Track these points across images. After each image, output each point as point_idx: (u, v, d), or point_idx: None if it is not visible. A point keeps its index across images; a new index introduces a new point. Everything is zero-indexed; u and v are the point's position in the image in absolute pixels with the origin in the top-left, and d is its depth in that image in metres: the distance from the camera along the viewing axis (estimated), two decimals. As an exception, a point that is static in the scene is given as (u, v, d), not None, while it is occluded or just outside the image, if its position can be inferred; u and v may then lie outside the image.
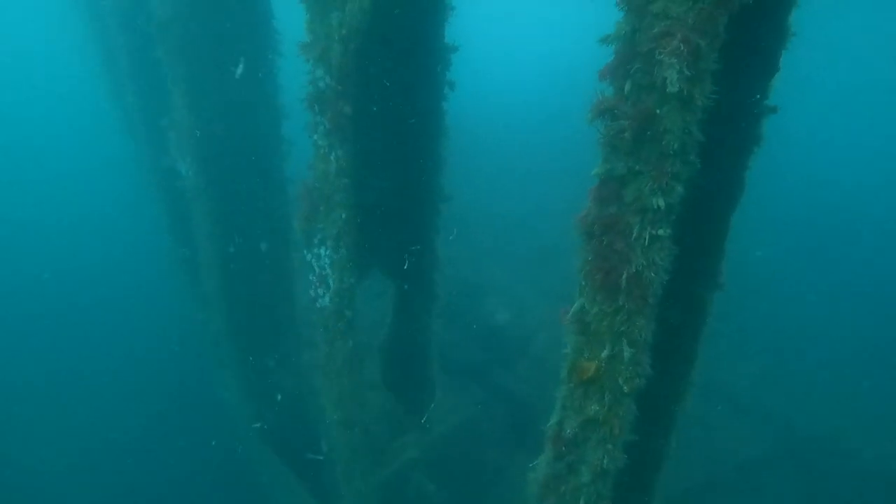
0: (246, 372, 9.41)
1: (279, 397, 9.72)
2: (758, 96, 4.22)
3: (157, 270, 11.85)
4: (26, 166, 20.34)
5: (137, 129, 9.27)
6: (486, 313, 13.43)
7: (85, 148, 19.12)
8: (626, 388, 3.94)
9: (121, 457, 11.94)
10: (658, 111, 3.23)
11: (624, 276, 3.69)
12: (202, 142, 7.75)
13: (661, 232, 3.55)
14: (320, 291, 6.23)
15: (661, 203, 3.46)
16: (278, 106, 8.39)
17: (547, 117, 22.45)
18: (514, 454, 11.22)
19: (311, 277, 6.32)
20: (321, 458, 8.91)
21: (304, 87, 5.66)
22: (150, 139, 9.01)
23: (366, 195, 6.11)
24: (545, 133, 21.67)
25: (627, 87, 3.35)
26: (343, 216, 5.71)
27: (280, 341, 9.58)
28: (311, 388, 9.94)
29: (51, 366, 13.44)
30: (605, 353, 3.94)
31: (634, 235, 3.60)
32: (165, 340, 12.14)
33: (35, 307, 14.63)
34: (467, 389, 11.74)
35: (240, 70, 7.66)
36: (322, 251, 6.06)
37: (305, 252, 6.29)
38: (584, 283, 3.95)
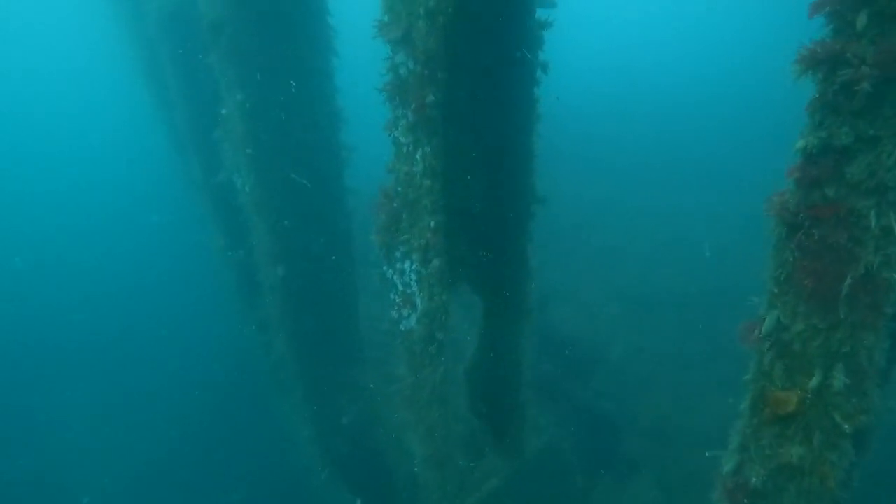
0: (311, 399, 8.64)
1: (346, 426, 8.93)
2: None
3: (215, 291, 11.22)
4: (75, 184, 20.22)
5: (187, 143, 8.62)
6: (554, 322, 12.46)
7: (133, 165, 18.80)
8: (846, 427, 2.97)
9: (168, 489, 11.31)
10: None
11: (847, 281, 2.75)
12: (258, 151, 7.03)
13: (907, 219, 2.61)
14: (405, 312, 5.40)
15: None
16: (337, 109, 7.65)
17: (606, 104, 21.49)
18: (598, 476, 10.24)
19: (392, 297, 5.49)
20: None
21: (371, 80, 4.87)
22: (201, 153, 8.34)
23: (455, 199, 5.27)
24: (605, 121, 20.72)
25: (862, 20, 2.42)
26: (432, 224, 4.87)
27: (346, 366, 8.80)
28: (381, 416, 9.17)
29: (97, 388, 12.93)
30: (814, 382, 2.98)
31: (866, 225, 2.66)
32: (224, 364, 11.48)
33: (88, 330, 14.20)
34: (544, 408, 10.80)
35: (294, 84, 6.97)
36: (406, 265, 5.23)
37: (385, 268, 5.47)
38: (779, 290, 3.01)
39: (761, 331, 3.09)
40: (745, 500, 3.39)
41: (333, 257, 7.95)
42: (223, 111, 6.98)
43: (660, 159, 19.49)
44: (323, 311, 8.04)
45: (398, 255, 5.29)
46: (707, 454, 3.79)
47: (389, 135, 4.94)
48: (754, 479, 3.31)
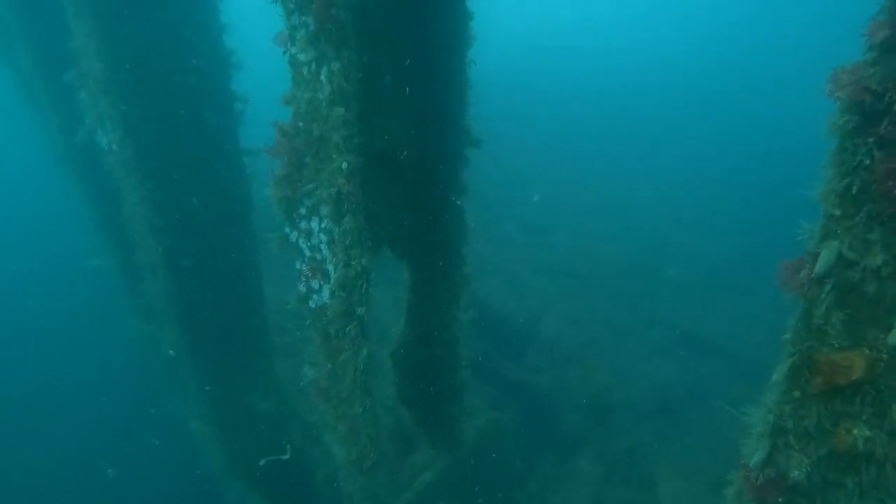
0: (210, 397, 7.29)
1: (255, 426, 7.66)
2: None
3: (87, 276, 9.50)
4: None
5: (37, 93, 6.96)
6: (482, 296, 11.55)
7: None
8: (937, 397, 2.12)
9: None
10: None
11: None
12: (124, 100, 5.59)
13: None
14: (315, 284, 4.23)
15: None
16: (226, 51, 6.30)
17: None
18: (539, 456, 9.46)
19: (298, 266, 4.31)
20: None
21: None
22: (55, 105, 6.74)
23: (373, 136, 4.13)
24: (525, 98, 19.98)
25: None
26: (344, 166, 3.72)
27: (251, 357, 7.50)
28: (295, 413, 7.94)
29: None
30: (893, 338, 2.10)
31: None
32: (106, 364, 9.82)
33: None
34: (477, 390, 9.89)
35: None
36: (314, 224, 4.06)
37: (288, 230, 4.28)
38: (842, 211, 2.10)
39: (813, 270, 2.18)
40: (781, 500, 2.51)
41: (228, 229, 6.62)
42: (74, 46, 5.50)
43: (582, 133, 19.07)
44: (218, 294, 6.70)
45: (303, 211, 4.11)
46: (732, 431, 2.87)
47: (284, 52, 3.74)
48: (795, 473, 2.42)
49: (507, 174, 16.31)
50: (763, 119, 20.56)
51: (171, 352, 6.99)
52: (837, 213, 2.10)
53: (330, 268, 4.06)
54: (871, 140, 1.95)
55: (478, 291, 11.84)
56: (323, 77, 3.58)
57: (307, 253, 4.22)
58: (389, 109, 4.18)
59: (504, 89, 20.89)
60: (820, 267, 2.15)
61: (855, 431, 2.25)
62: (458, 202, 4.81)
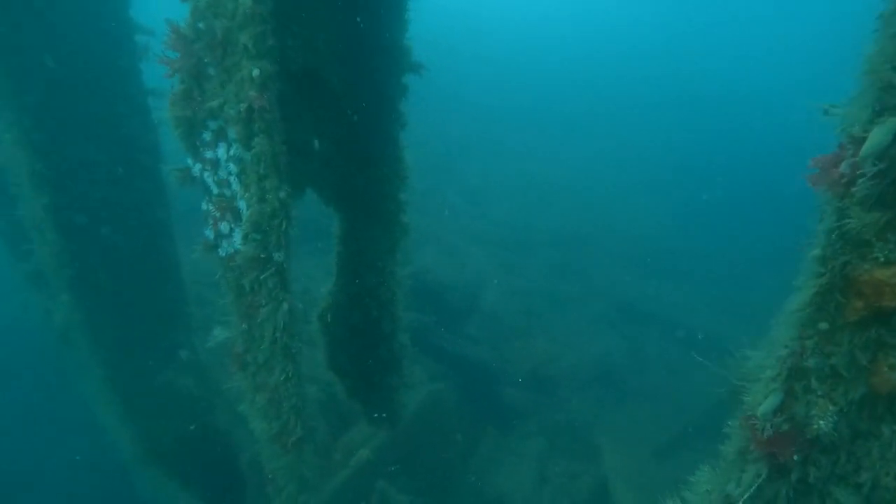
0: (115, 373, 6.39)
1: (168, 403, 6.82)
2: None
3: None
4: None
5: None
6: (419, 266, 10.94)
7: None
8: None
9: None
10: None
11: None
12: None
13: None
14: (224, 227, 3.49)
15: None
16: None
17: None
18: (482, 428, 8.98)
19: (204, 207, 3.56)
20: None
21: None
22: None
23: (290, 42, 3.40)
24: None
25: None
26: (256, 74, 2.99)
27: (163, 328, 6.64)
28: (215, 388, 7.13)
29: None
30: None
31: None
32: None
33: None
34: (416, 362, 9.30)
35: None
36: (220, 151, 3.31)
37: (190, 161, 3.51)
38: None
39: (859, 154, 1.66)
40: (797, 456, 2.02)
41: (131, 181, 5.72)
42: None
43: (518, 100, 18.64)
44: (121, 257, 5.80)
45: (207, 136, 3.35)
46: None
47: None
48: (820, 423, 1.93)
49: (445, 140, 15.68)
50: (696, 94, 20.84)
51: (63, 323, 6.03)
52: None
53: (241, 205, 3.34)
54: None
55: (416, 261, 11.28)
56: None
57: (214, 189, 3.47)
58: (314, 19, 3.46)
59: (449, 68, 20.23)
60: (869, 149, 1.63)
61: (902, 367, 1.76)
62: (396, 137, 4.15)
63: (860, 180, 1.68)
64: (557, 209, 14.21)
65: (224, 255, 3.59)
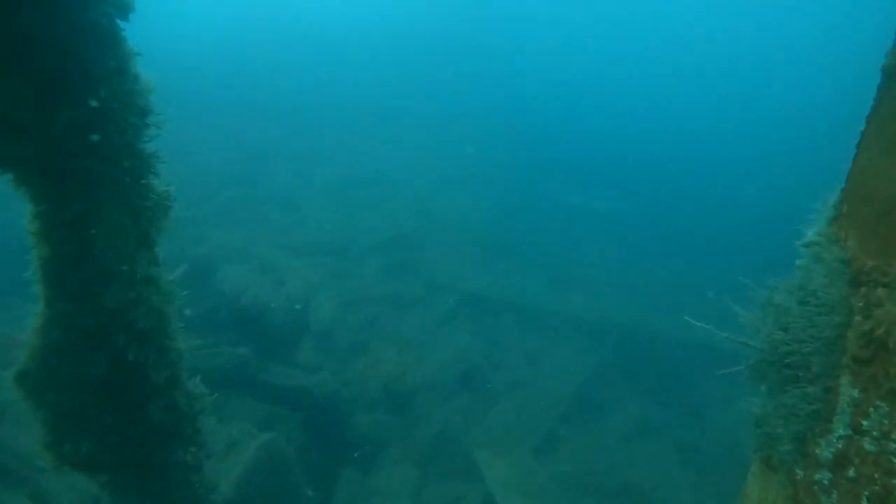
0: None
1: None
2: None
3: None
4: None
5: None
6: (229, 289, 8.78)
7: None
8: None
9: None
10: None
11: None
12: None
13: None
14: None
15: None
16: None
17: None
18: (336, 472, 7.10)
19: None
20: None
21: None
22: None
23: None
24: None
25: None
26: None
27: None
28: None
29: None
30: None
31: None
32: None
33: None
34: (237, 407, 7.16)
35: None
36: None
37: None
38: None
39: None
40: None
41: None
42: None
43: (328, 97, 16.87)
44: None
45: None
46: None
47: None
48: None
49: (253, 148, 13.47)
50: (519, 85, 20.77)
51: None
52: None
53: None
54: None
55: (225, 284, 9.08)
56: None
57: None
58: None
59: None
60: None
61: None
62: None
63: None
64: (382, 207, 12.72)
65: None
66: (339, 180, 13.21)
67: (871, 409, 1.21)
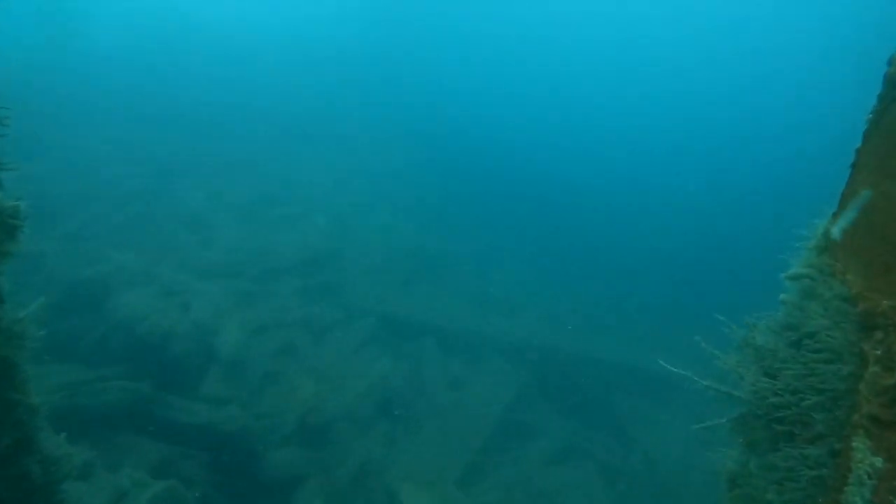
0: None
1: None
2: None
3: None
4: None
5: None
6: (129, 316, 7.94)
7: None
8: None
9: None
10: None
11: None
12: None
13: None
14: None
15: None
16: None
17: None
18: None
19: None
20: None
21: None
22: None
23: None
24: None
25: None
26: None
27: None
28: None
29: None
30: None
31: None
32: None
33: None
34: (129, 448, 6.38)
35: None
36: None
37: None
38: None
39: None
40: None
41: None
42: None
43: (236, 110, 15.99)
44: None
45: None
46: None
47: None
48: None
49: (156, 163, 12.48)
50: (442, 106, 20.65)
51: None
52: None
53: None
54: None
55: (123, 310, 8.20)
56: None
57: None
58: None
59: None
60: None
61: None
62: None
63: None
64: (297, 227, 12.09)
65: None
66: (251, 198, 12.47)
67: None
